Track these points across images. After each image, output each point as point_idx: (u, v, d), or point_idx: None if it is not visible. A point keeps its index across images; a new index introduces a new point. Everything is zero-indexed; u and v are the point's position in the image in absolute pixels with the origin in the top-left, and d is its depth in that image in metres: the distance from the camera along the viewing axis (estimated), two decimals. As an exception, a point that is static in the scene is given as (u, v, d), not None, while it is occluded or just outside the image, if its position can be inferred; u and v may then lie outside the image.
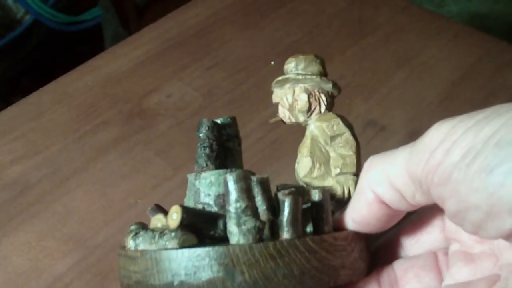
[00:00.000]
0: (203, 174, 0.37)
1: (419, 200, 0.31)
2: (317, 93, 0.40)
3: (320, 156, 0.39)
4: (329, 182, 0.39)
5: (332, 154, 0.39)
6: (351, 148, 0.39)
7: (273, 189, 0.36)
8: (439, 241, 0.36)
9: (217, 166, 0.39)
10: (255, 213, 0.32)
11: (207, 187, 0.37)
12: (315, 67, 0.41)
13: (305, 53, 0.41)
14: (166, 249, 0.32)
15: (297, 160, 0.40)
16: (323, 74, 0.41)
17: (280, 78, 0.41)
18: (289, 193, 0.32)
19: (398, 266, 0.36)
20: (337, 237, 0.33)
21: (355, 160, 0.39)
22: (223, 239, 0.33)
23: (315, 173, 0.39)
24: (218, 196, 0.36)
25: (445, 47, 0.77)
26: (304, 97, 0.40)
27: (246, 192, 0.32)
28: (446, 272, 0.35)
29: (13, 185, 0.61)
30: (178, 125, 0.68)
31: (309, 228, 0.35)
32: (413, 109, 0.68)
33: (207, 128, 0.39)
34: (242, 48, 0.77)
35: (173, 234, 0.32)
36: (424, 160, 0.29)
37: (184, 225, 0.32)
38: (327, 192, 0.35)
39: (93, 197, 0.60)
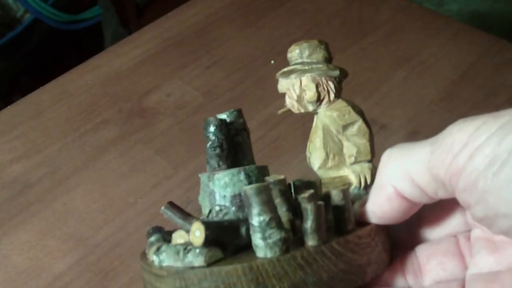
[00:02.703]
0: (217, 175, 0.36)
1: (442, 195, 0.31)
2: (325, 81, 0.39)
3: (333, 147, 0.39)
4: (345, 172, 0.38)
5: (345, 143, 0.39)
6: (364, 135, 0.39)
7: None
8: (460, 224, 0.35)
9: (229, 165, 0.38)
10: (279, 224, 0.31)
11: (222, 188, 0.36)
12: (320, 54, 0.39)
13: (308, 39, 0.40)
14: (193, 267, 0.31)
15: (309, 149, 0.40)
16: (328, 59, 0.39)
17: (285, 69, 0.40)
18: (310, 198, 0.32)
19: (420, 253, 0.36)
20: (361, 235, 0.33)
21: (369, 148, 0.38)
22: (247, 246, 0.32)
23: (330, 163, 0.39)
24: (234, 197, 0.36)
25: (445, 46, 0.77)
26: (312, 87, 0.39)
27: (268, 204, 0.31)
28: (469, 259, 0.35)
29: (13, 184, 0.61)
30: (178, 124, 0.68)
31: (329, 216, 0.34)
32: (413, 108, 0.68)
33: (214, 128, 0.38)
34: (242, 47, 0.77)
35: (197, 250, 0.31)
36: (447, 162, 0.29)
37: (208, 241, 0.32)
38: (347, 191, 0.34)
39: (93, 196, 0.60)
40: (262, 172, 0.37)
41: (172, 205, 0.38)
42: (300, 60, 0.39)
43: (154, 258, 0.33)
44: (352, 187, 0.39)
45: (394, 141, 0.57)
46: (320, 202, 0.32)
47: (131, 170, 0.63)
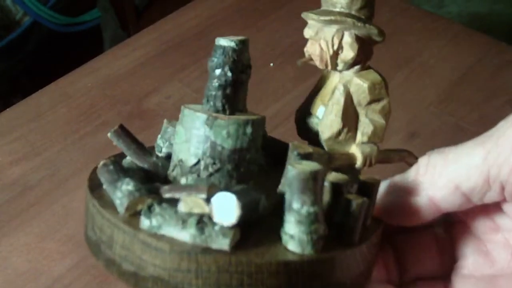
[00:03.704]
0: (219, 121, 0.29)
1: (489, 199, 0.30)
2: (367, 44, 0.34)
3: (350, 119, 0.34)
4: (352, 149, 0.34)
5: (362, 118, 0.34)
6: (385, 116, 0.34)
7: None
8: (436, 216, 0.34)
9: (232, 111, 0.31)
10: (323, 218, 0.27)
11: (223, 138, 0.29)
12: (370, 10, 0.33)
13: None
14: (208, 249, 0.25)
15: (317, 111, 0.35)
16: (371, 18, 0.34)
17: (329, 17, 0.33)
18: (350, 189, 0.29)
19: (399, 246, 0.35)
20: (377, 235, 0.31)
21: (384, 131, 0.35)
22: (258, 219, 0.28)
23: (341, 137, 0.34)
24: (233, 152, 0.29)
25: (445, 48, 0.77)
26: (355, 48, 0.33)
27: (320, 194, 0.27)
28: (448, 255, 0.34)
29: (13, 186, 0.61)
30: (178, 126, 0.68)
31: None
32: (413, 110, 0.68)
33: (231, 60, 0.30)
34: (242, 49, 0.77)
35: (217, 228, 0.26)
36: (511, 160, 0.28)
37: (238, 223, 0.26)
38: (377, 186, 0.31)
39: (92, 198, 0.60)
40: (264, 125, 0.32)
41: (123, 130, 0.32)
42: (346, 11, 0.33)
43: (144, 221, 0.27)
44: (356, 166, 0.35)
45: (393, 143, 0.57)
46: (364, 199, 0.29)
47: (131, 172, 0.63)
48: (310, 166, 0.27)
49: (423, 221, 0.32)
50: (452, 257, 0.34)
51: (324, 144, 0.34)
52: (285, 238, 0.27)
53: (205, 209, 0.26)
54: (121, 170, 0.30)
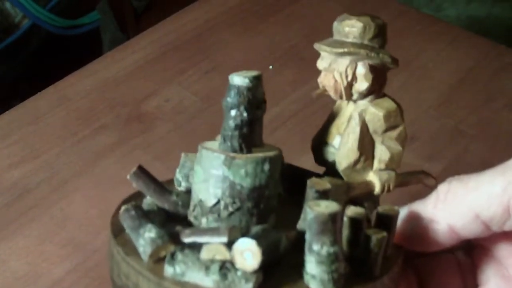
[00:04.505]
0: (237, 161, 0.29)
1: (509, 227, 0.30)
2: (381, 73, 0.34)
3: (367, 147, 0.34)
4: (370, 177, 0.35)
5: (378, 145, 0.34)
6: (401, 142, 0.34)
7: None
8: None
9: (249, 148, 0.31)
10: (342, 256, 0.28)
11: (241, 178, 0.29)
12: (382, 38, 0.34)
13: (362, 14, 0.34)
14: None
15: (332, 141, 0.35)
16: (384, 45, 0.34)
17: (343, 49, 0.33)
18: (365, 220, 0.29)
19: (422, 271, 0.35)
20: (399, 264, 0.31)
21: (401, 157, 0.35)
22: (279, 258, 0.29)
23: (359, 166, 0.34)
24: (252, 190, 0.30)
25: (444, 51, 0.77)
26: (370, 78, 0.33)
27: (340, 233, 0.27)
28: (469, 279, 0.34)
29: (11, 190, 0.61)
30: (177, 129, 0.68)
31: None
32: (411, 113, 0.68)
33: (246, 100, 0.31)
34: (241, 52, 0.77)
35: (240, 273, 0.26)
36: None
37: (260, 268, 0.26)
38: (397, 216, 0.31)
39: (91, 201, 0.60)
40: (281, 159, 0.32)
41: (142, 171, 0.33)
42: (359, 41, 0.33)
43: (168, 269, 0.28)
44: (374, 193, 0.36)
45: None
46: (384, 234, 0.29)
47: (130, 175, 0.62)
48: (329, 208, 0.27)
49: (443, 248, 0.32)
50: (474, 281, 0.34)
51: (342, 173, 0.34)
52: (307, 277, 0.28)
53: (227, 255, 0.27)
54: (143, 216, 0.30)
